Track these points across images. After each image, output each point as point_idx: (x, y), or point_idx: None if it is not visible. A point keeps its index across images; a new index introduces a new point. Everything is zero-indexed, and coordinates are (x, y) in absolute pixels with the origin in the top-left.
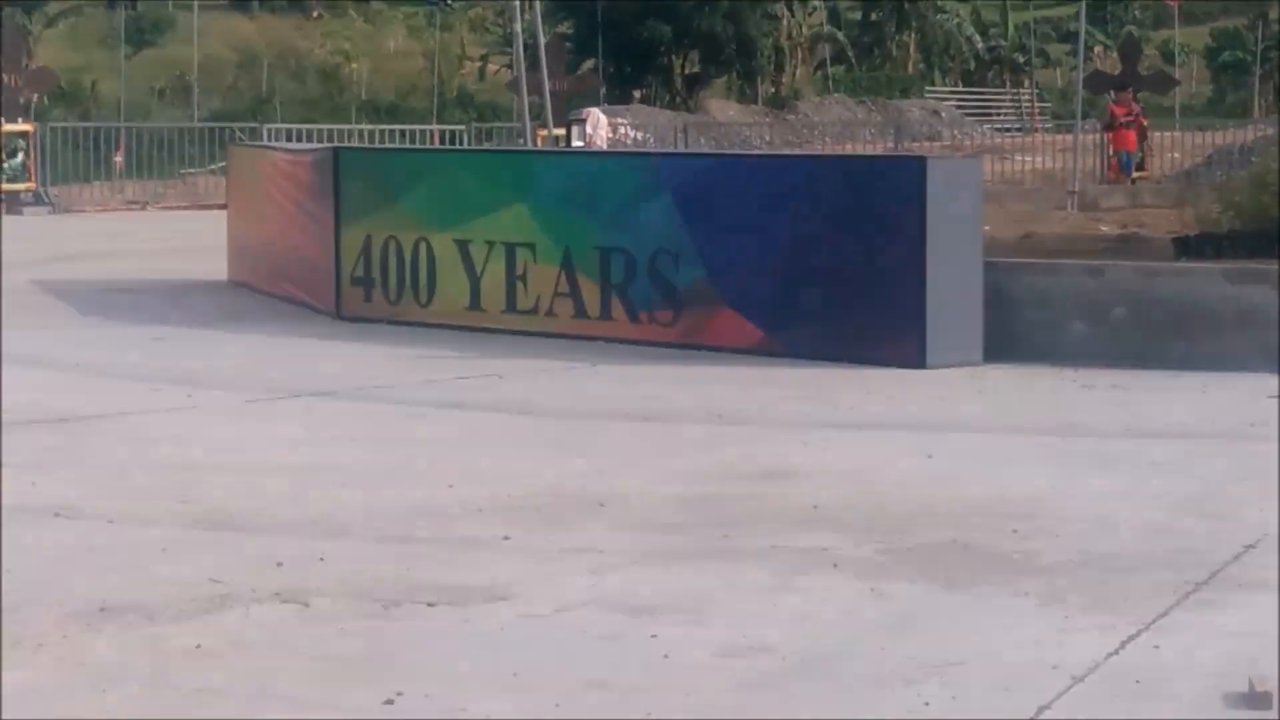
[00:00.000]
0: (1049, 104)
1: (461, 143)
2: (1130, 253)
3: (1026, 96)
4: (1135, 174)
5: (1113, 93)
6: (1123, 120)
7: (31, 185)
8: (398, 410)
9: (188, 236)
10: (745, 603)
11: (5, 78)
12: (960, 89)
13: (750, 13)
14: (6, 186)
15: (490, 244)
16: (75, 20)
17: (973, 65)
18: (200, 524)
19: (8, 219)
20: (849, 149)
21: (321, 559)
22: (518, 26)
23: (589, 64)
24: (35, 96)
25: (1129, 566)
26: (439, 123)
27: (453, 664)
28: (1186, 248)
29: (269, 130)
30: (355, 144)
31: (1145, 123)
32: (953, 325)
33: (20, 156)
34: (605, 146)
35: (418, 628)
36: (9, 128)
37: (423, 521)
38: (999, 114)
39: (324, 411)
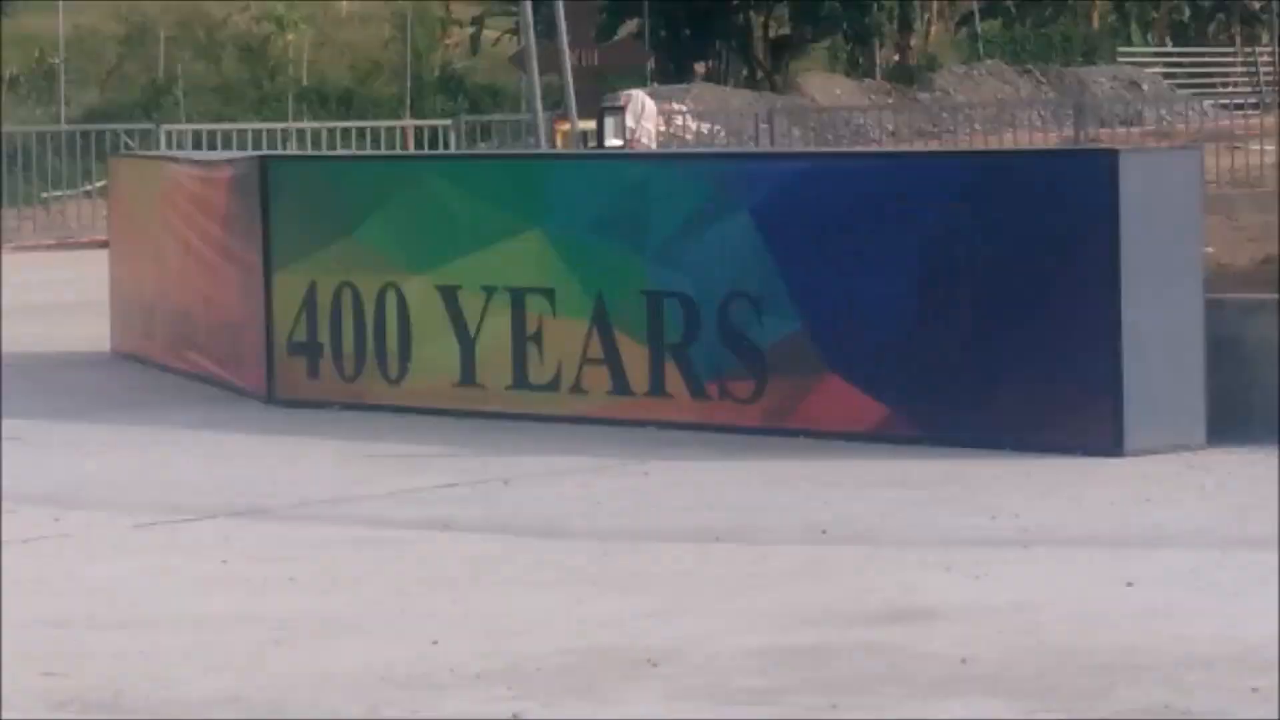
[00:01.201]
0: None
1: (447, 145)
2: None
3: (1266, 58)
4: None
5: None
6: None
7: None
8: (358, 534)
9: (54, 288)
10: None
11: None
12: (1169, 49)
13: None
14: None
15: (489, 290)
16: None
17: (1187, 15)
18: (73, 706)
19: None
20: (1007, 141)
21: None
22: None
23: (629, 27)
24: None
25: None
26: (414, 116)
27: None
28: None
29: (168, 133)
30: (292, 150)
31: None
32: (1160, 393)
33: None
34: (654, 145)
35: None
36: None
37: (395, 695)
38: (1226, 85)
39: (250, 539)
